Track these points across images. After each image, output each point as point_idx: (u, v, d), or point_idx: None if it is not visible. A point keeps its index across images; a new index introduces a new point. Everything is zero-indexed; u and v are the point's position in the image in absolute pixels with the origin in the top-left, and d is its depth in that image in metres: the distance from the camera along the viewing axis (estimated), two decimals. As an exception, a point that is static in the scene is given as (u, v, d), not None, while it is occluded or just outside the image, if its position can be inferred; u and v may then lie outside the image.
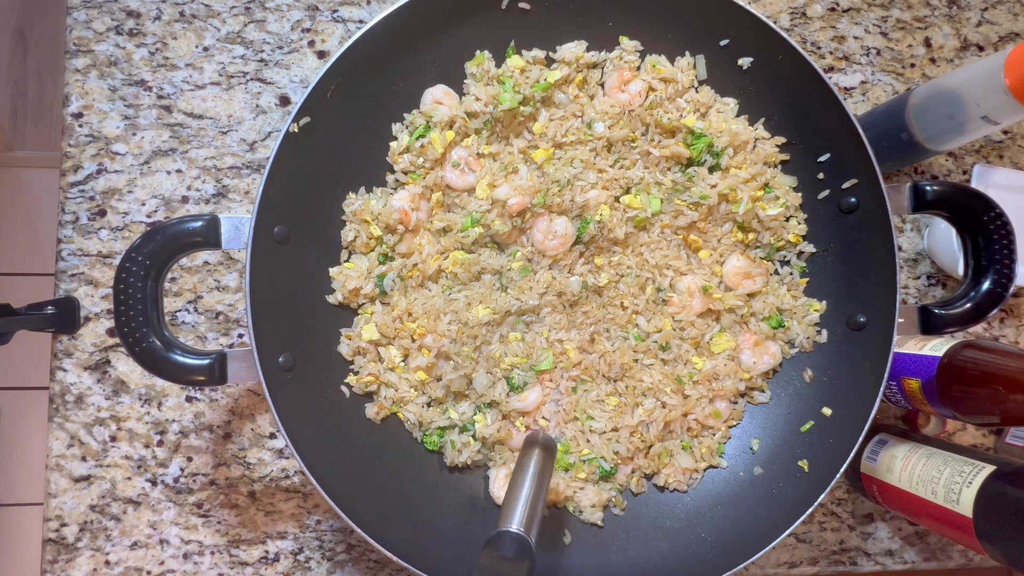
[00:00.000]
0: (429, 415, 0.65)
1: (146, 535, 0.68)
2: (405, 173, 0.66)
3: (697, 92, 0.69)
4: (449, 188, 0.67)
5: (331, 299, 0.65)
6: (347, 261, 0.66)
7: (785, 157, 0.68)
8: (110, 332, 0.68)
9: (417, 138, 0.65)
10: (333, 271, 0.65)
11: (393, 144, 0.66)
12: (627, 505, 0.67)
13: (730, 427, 0.69)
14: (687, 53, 0.68)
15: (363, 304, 0.66)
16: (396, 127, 0.66)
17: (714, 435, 0.68)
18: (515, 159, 0.67)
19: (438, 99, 0.66)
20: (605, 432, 0.67)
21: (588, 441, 0.67)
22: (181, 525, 0.68)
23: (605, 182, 0.67)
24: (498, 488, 0.65)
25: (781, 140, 0.68)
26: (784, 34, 0.63)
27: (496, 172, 0.66)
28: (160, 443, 0.68)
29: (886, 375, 0.62)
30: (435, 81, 0.66)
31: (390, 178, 0.67)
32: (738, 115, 0.69)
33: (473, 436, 0.65)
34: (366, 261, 0.65)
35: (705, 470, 0.68)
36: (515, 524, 0.42)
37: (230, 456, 0.69)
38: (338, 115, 0.62)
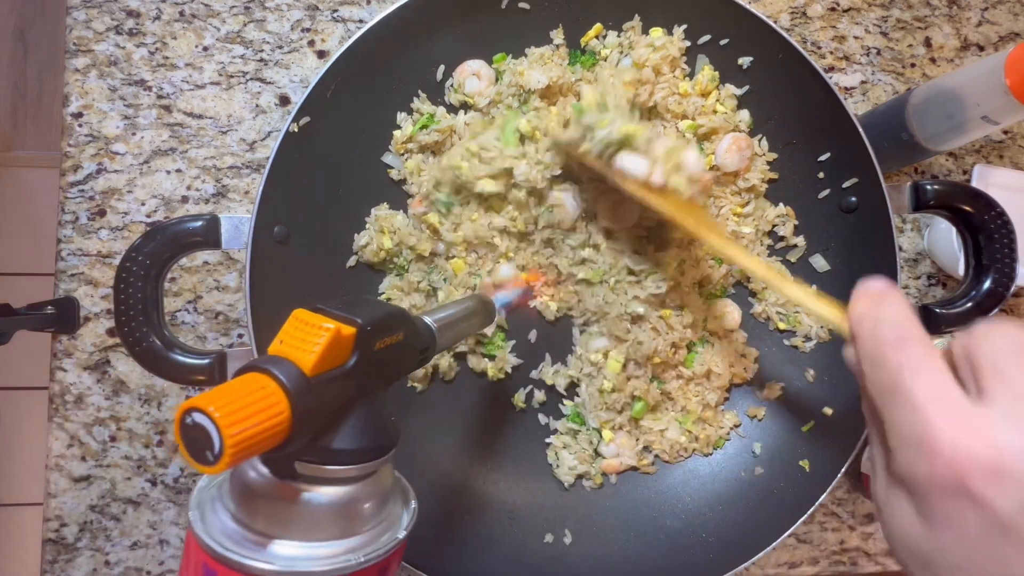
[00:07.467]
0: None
1: (146, 535, 0.68)
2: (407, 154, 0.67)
3: (697, 92, 0.69)
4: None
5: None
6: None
7: (774, 176, 0.68)
8: (110, 332, 0.68)
9: (420, 128, 0.65)
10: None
11: (397, 132, 0.66)
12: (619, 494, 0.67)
13: (734, 427, 0.69)
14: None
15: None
16: (400, 115, 0.66)
17: (721, 427, 0.68)
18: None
19: (475, 71, 0.66)
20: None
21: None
22: (181, 525, 0.68)
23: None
24: None
25: (773, 156, 0.68)
26: (784, 34, 0.63)
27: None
28: (160, 443, 0.68)
29: (887, 375, 0.62)
30: (435, 81, 0.66)
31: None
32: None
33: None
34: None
35: (693, 451, 0.68)
36: (430, 319, 0.45)
37: (230, 456, 0.69)
38: (338, 115, 0.62)
